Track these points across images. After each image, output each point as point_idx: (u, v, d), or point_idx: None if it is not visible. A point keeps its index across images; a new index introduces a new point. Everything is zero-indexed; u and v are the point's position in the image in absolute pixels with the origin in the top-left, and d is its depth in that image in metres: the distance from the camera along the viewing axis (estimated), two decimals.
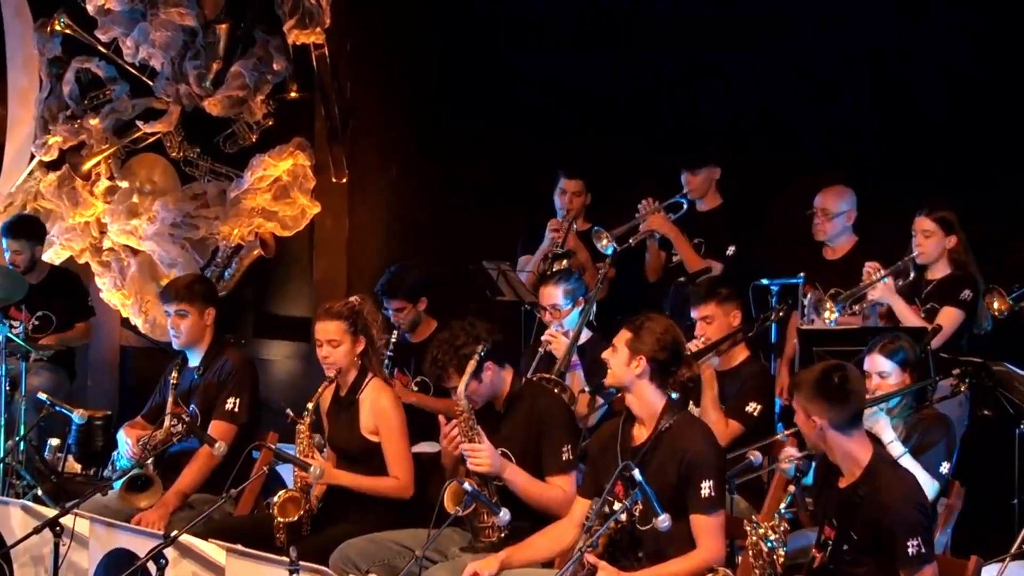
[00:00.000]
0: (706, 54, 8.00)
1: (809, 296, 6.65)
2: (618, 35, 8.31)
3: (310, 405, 5.70)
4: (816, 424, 4.55)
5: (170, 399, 6.22)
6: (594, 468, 5.09)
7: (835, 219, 6.97)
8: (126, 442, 6.24)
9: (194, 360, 6.33)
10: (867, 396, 5.08)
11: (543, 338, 6.43)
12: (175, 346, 6.38)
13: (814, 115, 7.75)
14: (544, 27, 8.49)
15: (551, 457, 5.27)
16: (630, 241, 7.50)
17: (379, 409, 5.69)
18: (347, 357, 5.74)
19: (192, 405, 6.24)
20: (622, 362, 4.94)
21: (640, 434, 4.96)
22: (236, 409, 6.15)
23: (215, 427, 6.12)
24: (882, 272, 6.37)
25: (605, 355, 5.03)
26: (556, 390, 6.06)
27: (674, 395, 5.01)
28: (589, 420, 5.98)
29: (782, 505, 4.63)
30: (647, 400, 4.93)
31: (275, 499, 5.55)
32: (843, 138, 7.67)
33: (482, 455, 5.19)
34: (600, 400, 6.06)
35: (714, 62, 8.01)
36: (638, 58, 8.23)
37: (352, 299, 5.86)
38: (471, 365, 5.21)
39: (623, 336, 4.98)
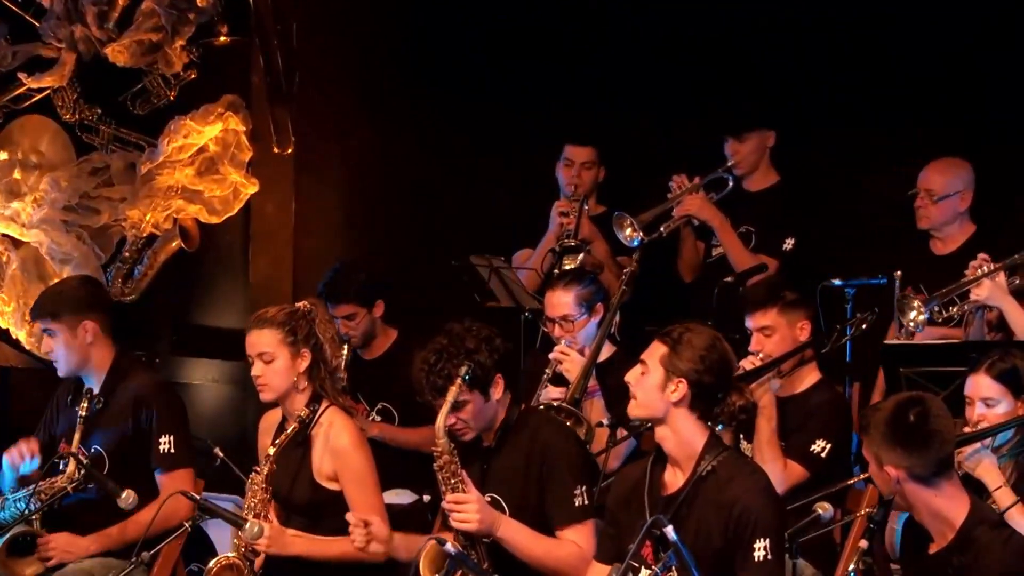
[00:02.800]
0: None
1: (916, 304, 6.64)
2: None
3: (271, 451, 5.67)
4: (892, 476, 4.58)
5: (78, 432, 6.24)
6: (615, 525, 5.11)
7: (942, 202, 6.98)
8: (14, 461, 6.26)
9: (95, 385, 6.37)
10: (969, 429, 5.13)
11: (552, 356, 6.47)
12: (60, 374, 6.44)
13: (905, 59, 7.76)
14: None
15: (560, 504, 5.30)
16: (661, 229, 7.54)
17: (338, 449, 5.70)
18: (285, 376, 5.74)
19: (94, 445, 6.28)
20: (655, 386, 4.93)
21: (674, 480, 4.99)
22: (172, 450, 6.21)
23: (169, 480, 6.17)
24: (991, 266, 6.40)
25: (630, 377, 5.03)
26: (568, 422, 6.09)
27: (719, 425, 5.03)
28: (610, 462, 6.01)
29: (851, 566, 4.66)
30: (685, 436, 4.94)
31: (210, 566, 5.56)
32: (952, 89, 7.65)
33: (469, 509, 5.22)
34: (623, 433, 6.09)
35: None
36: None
37: (298, 304, 5.87)
38: (453, 390, 5.24)
39: (656, 351, 4.96)
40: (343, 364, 6.84)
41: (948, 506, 4.59)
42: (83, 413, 6.25)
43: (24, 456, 6.26)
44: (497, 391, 5.37)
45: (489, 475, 5.42)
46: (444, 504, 5.26)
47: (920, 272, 6.86)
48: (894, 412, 4.58)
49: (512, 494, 5.37)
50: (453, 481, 5.26)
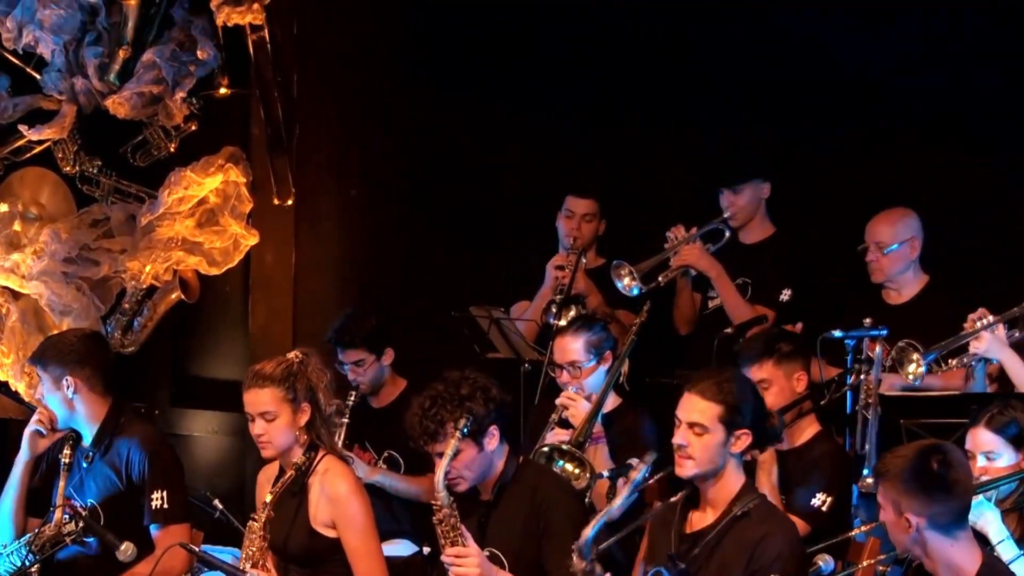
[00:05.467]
0: (750, 37, 8.09)
1: (877, 351, 6.64)
2: (635, 23, 8.38)
3: (268, 498, 5.68)
4: (912, 524, 4.57)
5: (62, 479, 6.24)
6: (652, 549, 5.20)
7: (892, 252, 7.01)
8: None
9: (87, 437, 6.39)
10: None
11: (558, 401, 6.48)
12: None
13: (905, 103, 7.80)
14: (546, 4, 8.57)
15: (558, 559, 5.28)
16: (659, 279, 7.52)
17: (334, 495, 5.70)
18: (287, 433, 5.75)
19: (88, 498, 6.28)
20: (718, 443, 5.03)
21: (703, 518, 5.10)
22: (165, 505, 6.18)
23: (164, 535, 6.13)
24: (990, 319, 6.39)
25: (683, 439, 5.05)
26: (571, 464, 6.08)
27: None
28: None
29: None
30: (730, 482, 5.08)
31: None
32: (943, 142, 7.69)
33: (469, 563, 5.21)
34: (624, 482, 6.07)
35: (761, 45, 8.08)
36: (659, 49, 8.30)
37: (289, 355, 5.87)
38: (451, 442, 5.24)
39: (709, 411, 5.03)
40: (348, 409, 6.85)
41: (963, 557, 4.60)
42: (66, 460, 6.27)
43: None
44: (491, 442, 5.38)
45: (488, 529, 5.44)
46: (444, 557, 5.25)
47: (877, 323, 6.79)
48: (917, 459, 4.59)
49: (511, 548, 5.38)
50: (452, 534, 5.27)
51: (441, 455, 5.29)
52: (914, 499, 4.55)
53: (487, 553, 5.32)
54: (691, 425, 5.04)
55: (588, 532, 5.01)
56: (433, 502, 5.28)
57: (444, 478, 5.25)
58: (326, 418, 5.87)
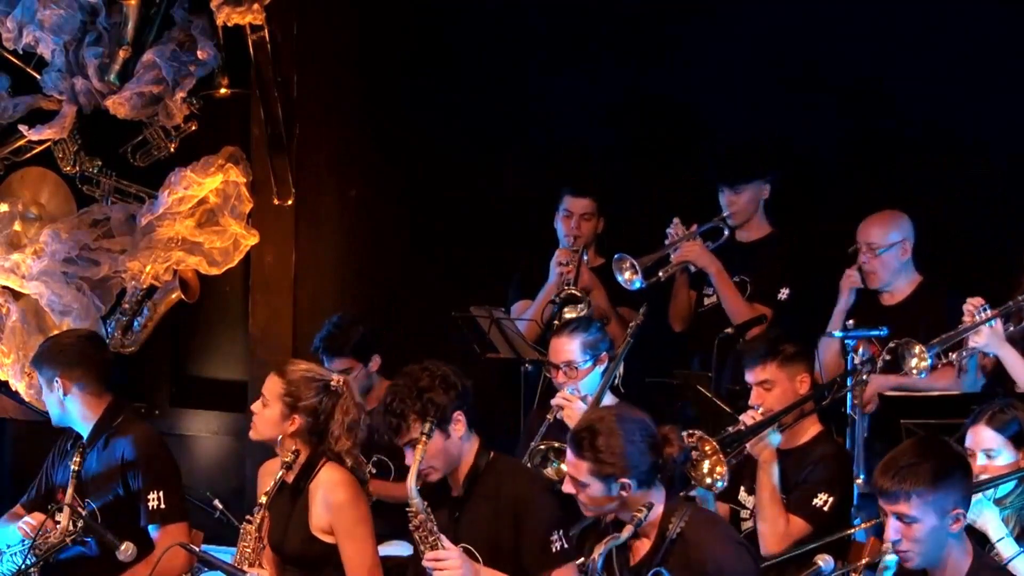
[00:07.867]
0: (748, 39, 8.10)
1: (860, 351, 6.63)
2: (633, 25, 8.39)
3: (263, 499, 5.70)
4: (961, 518, 4.58)
5: (71, 487, 6.23)
6: None
7: (885, 253, 7.01)
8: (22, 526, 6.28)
9: (84, 437, 6.42)
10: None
11: (553, 402, 6.48)
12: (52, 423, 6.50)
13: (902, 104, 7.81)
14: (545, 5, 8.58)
15: (538, 554, 5.30)
16: (659, 274, 7.53)
17: (334, 502, 5.73)
18: (270, 427, 5.83)
19: (86, 500, 6.30)
20: (599, 494, 5.03)
21: (641, 545, 5.07)
22: (162, 505, 6.20)
23: (163, 535, 6.15)
24: (988, 313, 6.37)
25: (570, 488, 5.10)
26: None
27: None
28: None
29: None
30: (648, 507, 5.03)
31: None
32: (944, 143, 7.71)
33: (451, 565, 5.21)
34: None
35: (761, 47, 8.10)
36: (658, 49, 8.31)
37: (334, 376, 5.93)
38: (421, 446, 5.26)
39: (579, 469, 5.02)
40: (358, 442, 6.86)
41: (959, 552, 4.62)
42: (75, 468, 6.27)
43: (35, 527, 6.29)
44: (458, 428, 5.38)
45: (460, 525, 5.43)
46: (425, 562, 5.25)
47: (871, 322, 6.81)
48: (934, 452, 4.61)
49: (486, 544, 5.38)
50: (431, 539, 5.27)
51: (409, 445, 5.31)
52: (955, 490, 4.57)
53: (461, 548, 5.31)
54: (572, 481, 5.09)
55: (598, 557, 5.00)
56: (408, 510, 5.28)
57: (416, 484, 5.25)
58: (338, 452, 5.82)
